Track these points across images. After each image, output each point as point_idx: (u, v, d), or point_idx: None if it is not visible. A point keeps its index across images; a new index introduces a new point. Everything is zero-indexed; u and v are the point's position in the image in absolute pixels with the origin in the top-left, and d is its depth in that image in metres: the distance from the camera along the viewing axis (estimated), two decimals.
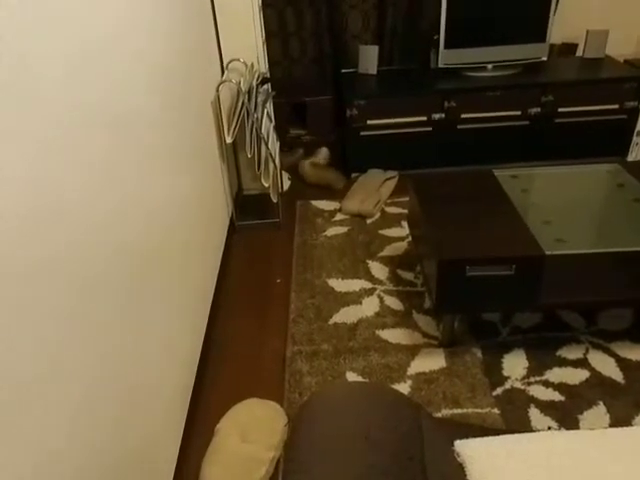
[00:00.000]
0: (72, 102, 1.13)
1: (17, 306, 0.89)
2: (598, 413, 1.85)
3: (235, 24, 2.81)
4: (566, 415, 1.85)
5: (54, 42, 1.07)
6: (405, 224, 2.95)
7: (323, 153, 3.55)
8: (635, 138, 3.35)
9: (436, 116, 3.30)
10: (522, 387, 1.96)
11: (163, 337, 1.65)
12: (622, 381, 1.96)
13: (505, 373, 2.02)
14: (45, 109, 1.02)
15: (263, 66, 2.99)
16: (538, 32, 3.31)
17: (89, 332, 1.14)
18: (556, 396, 1.92)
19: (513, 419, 1.84)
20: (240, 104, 2.72)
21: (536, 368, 2.03)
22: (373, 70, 3.52)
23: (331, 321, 2.31)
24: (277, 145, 3.13)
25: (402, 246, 2.78)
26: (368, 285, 2.52)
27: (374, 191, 3.18)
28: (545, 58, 3.38)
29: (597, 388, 1.94)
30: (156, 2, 1.81)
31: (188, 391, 1.91)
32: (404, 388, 1.97)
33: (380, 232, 2.91)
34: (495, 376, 2.01)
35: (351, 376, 2.04)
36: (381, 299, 2.42)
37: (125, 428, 1.31)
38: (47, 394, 0.97)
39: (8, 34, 0.91)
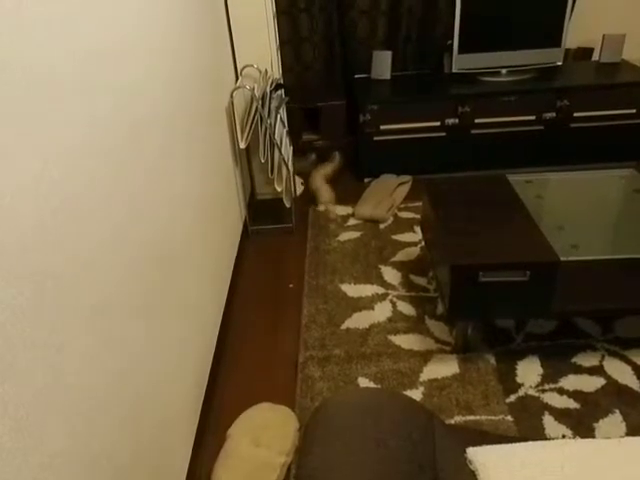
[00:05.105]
0: (88, 107, 1.15)
1: None
2: (614, 421, 1.83)
3: (249, 31, 2.83)
4: (581, 423, 1.83)
5: (72, 44, 1.09)
6: (418, 229, 2.94)
7: (336, 158, 3.55)
8: None
9: (450, 121, 3.29)
10: (536, 394, 1.94)
11: (177, 341, 1.66)
12: (639, 389, 1.93)
13: (519, 380, 2.00)
14: (64, 113, 1.03)
15: (277, 72, 3.01)
16: (553, 36, 3.29)
17: (107, 331, 1.16)
18: (571, 404, 1.90)
19: (527, 427, 1.83)
20: (254, 110, 2.74)
21: (551, 375, 2.01)
22: (386, 75, 3.52)
23: (343, 326, 2.31)
24: (290, 150, 3.14)
25: (415, 251, 2.77)
26: (380, 290, 2.51)
27: (387, 196, 3.17)
28: (560, 63, 3.36)
29: (613, 396, 1.91)
30: (171, 8, 1.83)
31: (200, 395, 1.92)
32: (416, 394, 1.96)
33: (393, 237, 2.90)
34: (509, 383, 1.99)
35: (363, 382, 2.04)
36: (393, 304, 2.42)
37: (137, 432, 1.32)
38: (63, 393, 0.98)
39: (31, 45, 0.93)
